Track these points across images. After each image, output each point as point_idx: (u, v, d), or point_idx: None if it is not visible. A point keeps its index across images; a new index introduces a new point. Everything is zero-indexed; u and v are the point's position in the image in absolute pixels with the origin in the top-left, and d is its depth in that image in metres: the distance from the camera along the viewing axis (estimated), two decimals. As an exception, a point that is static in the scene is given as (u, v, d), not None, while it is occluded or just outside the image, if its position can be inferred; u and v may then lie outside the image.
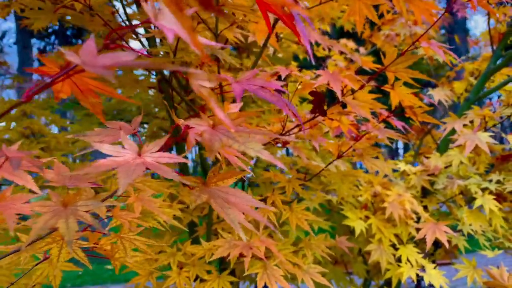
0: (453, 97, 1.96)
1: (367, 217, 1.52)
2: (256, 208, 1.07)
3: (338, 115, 1.14)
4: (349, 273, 1.93)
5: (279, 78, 0.94)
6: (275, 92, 0.41)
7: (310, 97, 1.07)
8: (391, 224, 1.50)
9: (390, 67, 0.96)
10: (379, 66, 1.01)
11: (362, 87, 1.01)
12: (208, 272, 1.11)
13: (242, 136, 0.37)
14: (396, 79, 1.04)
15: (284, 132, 1.09)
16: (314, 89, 1.04)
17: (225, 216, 0.41)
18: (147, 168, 0.40)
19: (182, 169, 1.61)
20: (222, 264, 1.28)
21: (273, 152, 1.69)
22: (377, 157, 1.50)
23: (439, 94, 1.75)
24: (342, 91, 1.01)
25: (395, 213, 1.42)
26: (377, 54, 2.55)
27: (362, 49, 3.35)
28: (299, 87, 0.98)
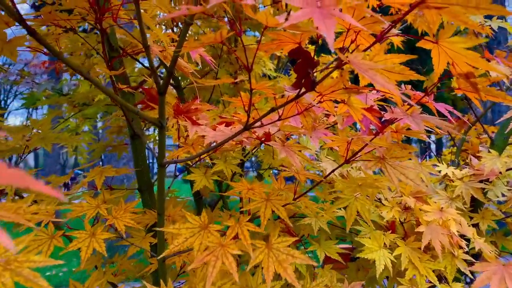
0: (512, 76, 1.45)
1: (395, 244, 1.06)
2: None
3: (345, 92, 0.69)
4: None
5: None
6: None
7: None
8: (430, 255, 1.04)
9: (432, -4, 0.51)
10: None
11: (380, 37, 0.56)
12: None
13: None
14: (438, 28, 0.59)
15: (250, 122, 0.66)
16: (297, 45, 0.60)
17: None
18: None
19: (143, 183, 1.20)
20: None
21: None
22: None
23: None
24: (343, 46, 0.57)
25: (436, 241, 0.96)
26: (409, 32, 2.06)
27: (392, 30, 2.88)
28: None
